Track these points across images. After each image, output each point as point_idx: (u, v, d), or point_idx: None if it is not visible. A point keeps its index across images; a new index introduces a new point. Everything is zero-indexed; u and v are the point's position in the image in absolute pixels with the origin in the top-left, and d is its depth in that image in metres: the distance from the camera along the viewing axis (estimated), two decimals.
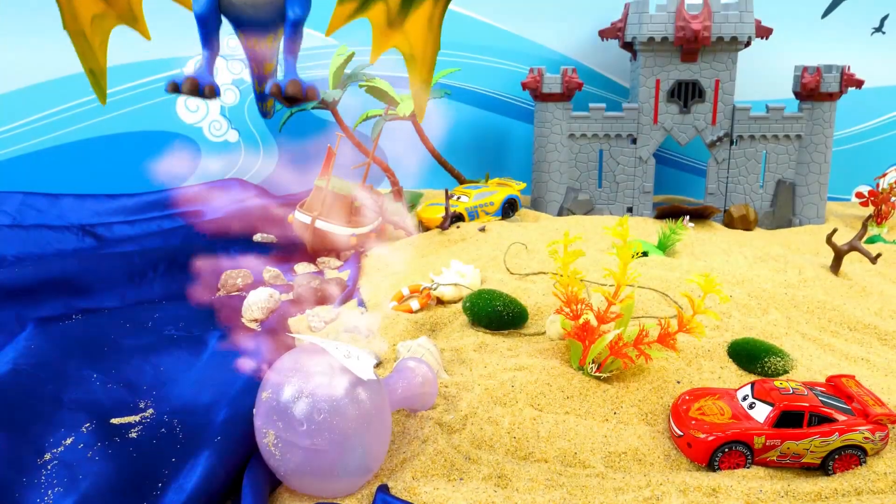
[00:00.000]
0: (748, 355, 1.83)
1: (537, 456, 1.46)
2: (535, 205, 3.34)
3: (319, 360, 1.30)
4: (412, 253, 2.64)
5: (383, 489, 1.29)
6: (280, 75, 1.16)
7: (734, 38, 3.02)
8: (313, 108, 3.08)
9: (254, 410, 1.33)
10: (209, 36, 1.12)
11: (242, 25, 1.15)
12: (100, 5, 1.14)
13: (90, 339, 1.84)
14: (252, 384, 1.58)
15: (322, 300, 2.22)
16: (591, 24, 3.43)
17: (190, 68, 3.30)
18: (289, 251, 2.66)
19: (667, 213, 3.09)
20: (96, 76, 1.22)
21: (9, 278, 2.11)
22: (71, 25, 1.14)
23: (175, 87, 1.08)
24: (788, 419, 1.42)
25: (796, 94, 3.19)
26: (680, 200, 3.54)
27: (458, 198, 2.99)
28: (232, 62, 3.34)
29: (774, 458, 1.42)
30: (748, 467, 1.42)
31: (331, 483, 1.29)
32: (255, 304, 2.08)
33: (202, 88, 1.09)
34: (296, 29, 1.09)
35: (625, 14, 3.15)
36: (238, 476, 1.34)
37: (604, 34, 3.26)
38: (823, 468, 1.43)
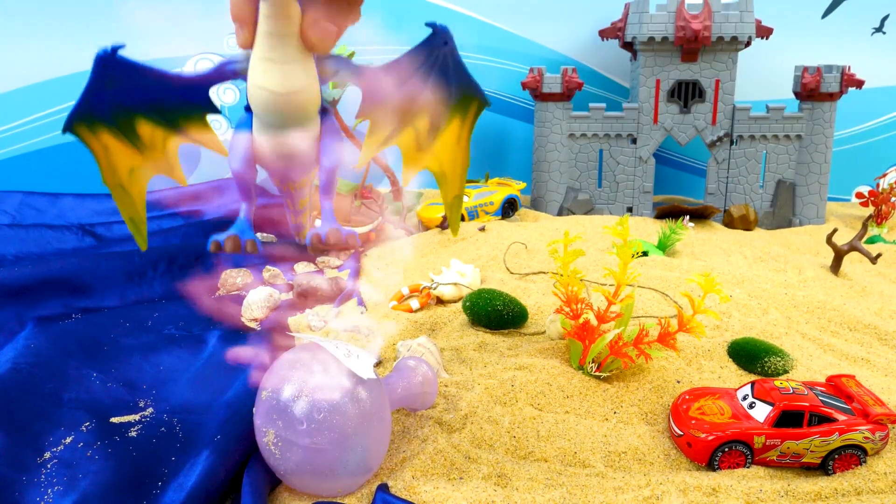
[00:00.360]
0: (748, 355, 1.83)
1: (537, 455, 1.45)
2: (535, 204, 3.34)
3: (319, 359, 1.29)
4: (412, 252, 2.64)
5: (383, 488, 1.29)
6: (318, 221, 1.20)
7: (734, 38, 3.02)
8: None
9: (254, 409, 1.33)
10: (246, 189, 1.17)
11: (277, 174, 1.19)
12: (137, 159, 1.19)
13: (90, 338, 1.84)
14: (252, 382, 1.57)
15: (322, 299, 2.22)
16: (591, 23, 3.44)
17: (189, 68, 3.30)
18: (289, 250, 2.66)
19: (667, 212, 3.09)
20: (136, 224, 1.27)
21: (8, 277, 2.11)
22: (110, 179, 1.19)
23: (218, 247, 1.13)
24: (788, 419, 1.42)
25: (796, 95, 3.19)
26: (680, 200, 3.54)
27: None
28: None
29: (774, 457, 1.42)
30: (748, 467, 1.42)
31: (331, 482, 1.28)
32: (255, 304, 2.08)
33: (244, 244, 1.14)
34: (330, 176, 1.14)
35: (625, 14, 3.15)
36: (238, 475, 1.34)
37: (604, 34, 3.26)
38: (823, 468, 1.43)
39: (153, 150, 1.19)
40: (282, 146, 1.12)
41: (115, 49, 1.06)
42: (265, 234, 2.88)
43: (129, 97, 1.13)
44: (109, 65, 1.08)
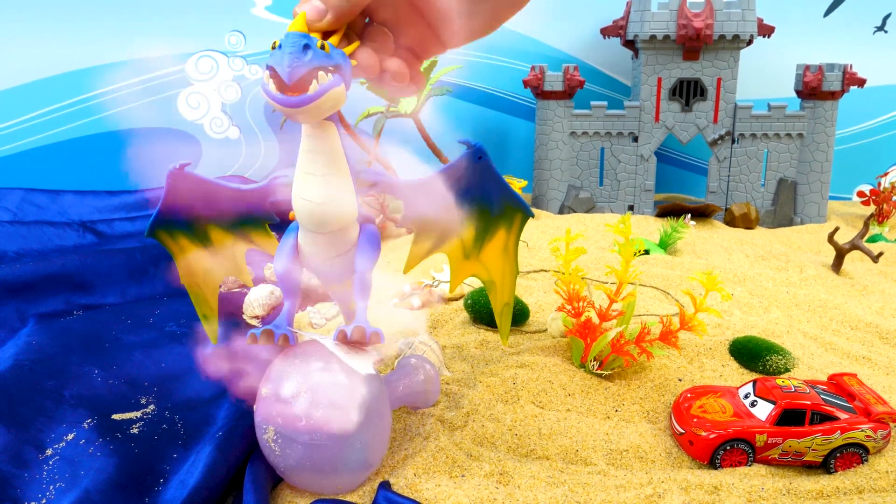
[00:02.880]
0: (750, 353, 1.83)
1: (539, 453, 1.45)
2: (537, 203, 3.34)
3: (319, 357, 1.29)
4: None
5: (385, 486, 1.29)
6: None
7: (736, 37, 3.02)
8: None
9: (254, 407, 1.33)
10: (290, 290, 1.26)
11: (321, 275, 1.28)
12: (210, 261, 1.33)
13: (91, 334, 1.84)
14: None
15: (323, 297, 2.21)
16: (592, 21, 3.43)
17: (190, 66, 3.29)
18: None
19: (668, 211, 3.08)
20: (209, 319, 1.41)
21: (10, 274, 2.11)
22: (187, 279, 1.33)
23: (254, 339, 1.22)
24: (790, 417, 1.42)
25: (798, 93, 3.18)
26: (681, 199, 3.54)
27: None
28: (234, 59, 3.33)
29: (776, 456, 1.42)
30: (750, 465, 1.42)
31: (331, 479, 1.28)
32: (257, 301, 2.08)
33: (277, 337, 1.22)
34: (363, 279, 1.22)
35: (627, 12, 3.15)
36: (240, 471, 1.34)
37: (606, 32, 3.26)
38: (825, 466, 1.43)
39: (223, 254, 1.32)
40: (322, 250, 1.22)
41: (182, 166, 1.20)
42: None
43: (199, 207, 1.26)
44: (178, 178, 1.22)
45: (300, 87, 0.98)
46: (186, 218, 1.27)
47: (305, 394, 1.24)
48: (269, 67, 0.99)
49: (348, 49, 1.04)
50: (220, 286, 2.30)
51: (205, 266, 1.34)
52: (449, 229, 1.29)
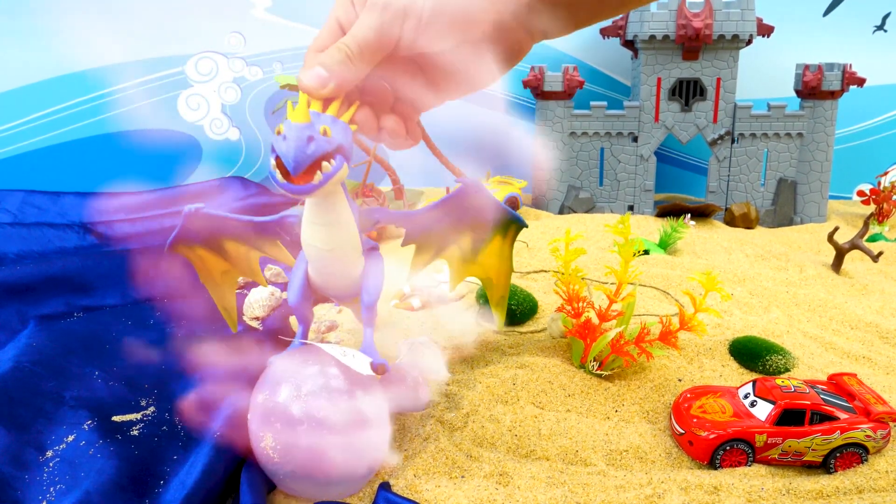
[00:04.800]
0: (750, 353, 1.83)
1: (539, 454, 1.46)
2: (536, 203, 3.34)
3: (316, 359, 1.29)
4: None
5: (385, 487, 1.29)
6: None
7: (735, 37, 3.02)
8: None
9: (248, 416, 1.31)
10: (303, 318, 1.37)
11: (333, 298, 1.39)
12: (226, 265, 1.45)
13: (92, 336, 1.84)
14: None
15: (322, 299, 2.21)
16: None
17: (190, 67, 3.30)
18: (290, 249, 2.65)
19: (668, 211, 3.08)
20: (229, 311, 1.54)
21: (10, 276, 2.11)
22: (206, 279, 1.46)
23: None
24: (790, 417, 1.42)
25: (798, 93, 3.18)
26: (681, 198, 3.54)
27: None
28: (233, 60, 3.34)
29: (776, 456, 1.42)
30: (749, 465, 1.42)
31: (332, 486, 1.28)
32: (257, 302, 2.07)
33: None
34: (369, 309, 1.30)
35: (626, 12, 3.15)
36: (239, 471, 1.34)
37: (605, 32, 3.26)
38: (825, 466, 1.43)
39: (238, 260, 1.44)
40: (331, 282, 1.32)
41: (197, 209, 1.31)
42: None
43: (215, 232, 1.37)
44: (194, 217, 1.32)
45: (305, 178, 1.04)
46: (204, 238, 1.38)
47: (305, 397, 1.23)
48: (276, 155, 1.04)
49: (348, 114, 1.07)
50: None
51: (222, 269, 1.45)
52: (448, 244, 1.40)
